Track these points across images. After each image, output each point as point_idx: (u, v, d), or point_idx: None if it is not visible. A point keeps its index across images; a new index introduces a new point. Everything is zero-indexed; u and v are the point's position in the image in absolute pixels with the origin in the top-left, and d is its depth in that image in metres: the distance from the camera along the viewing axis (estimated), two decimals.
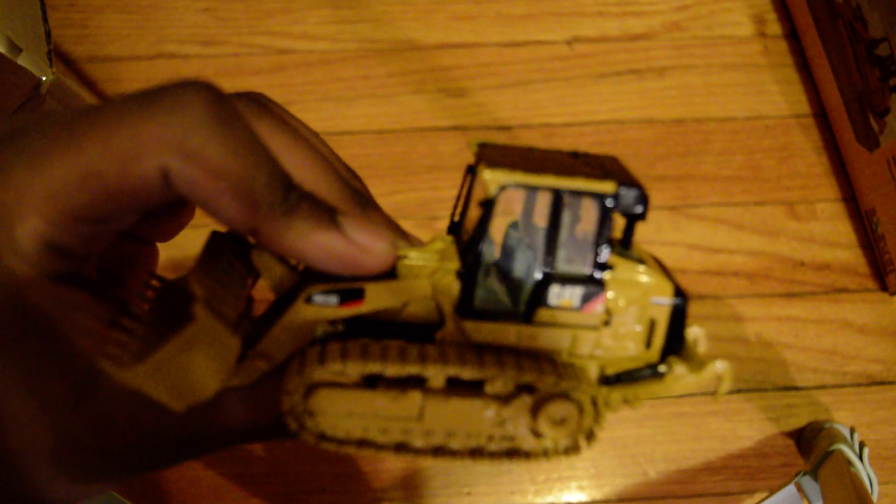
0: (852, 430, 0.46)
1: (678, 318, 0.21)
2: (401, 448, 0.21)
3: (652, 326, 0.21)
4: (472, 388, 0.21)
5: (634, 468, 0.50)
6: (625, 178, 0.20)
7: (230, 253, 0.21)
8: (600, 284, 0.20)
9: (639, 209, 0.20)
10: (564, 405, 0.21)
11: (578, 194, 0.20)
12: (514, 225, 0.22)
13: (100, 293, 0.22)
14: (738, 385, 0.52)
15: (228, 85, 0.20)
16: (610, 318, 0.21)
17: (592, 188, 0.20)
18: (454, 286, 0.21)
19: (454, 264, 0.21)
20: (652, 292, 0.21)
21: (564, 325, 0.21)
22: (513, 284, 0.21)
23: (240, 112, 0.20)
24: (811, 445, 0.48)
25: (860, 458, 0.43)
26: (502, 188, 0.19)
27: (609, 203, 0.20)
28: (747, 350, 0.52)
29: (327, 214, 0.20)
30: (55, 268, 0.20)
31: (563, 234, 0.20)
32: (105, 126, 0.19)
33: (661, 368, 0.21)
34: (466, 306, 0.21)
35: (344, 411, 0.20)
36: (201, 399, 0.19)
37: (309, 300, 0.20)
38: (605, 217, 0.20)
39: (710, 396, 0.51)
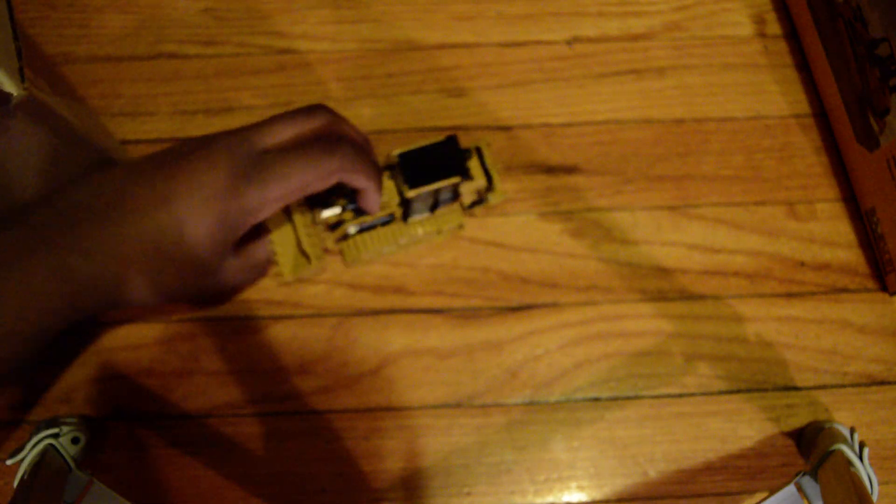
0: (852, 430, 0.46)
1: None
2: None
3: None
4: None
5: (634, 468, 0.50)
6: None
7: None
8: None
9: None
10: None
11: None
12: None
13: None
14: (738, 385, 0.52)
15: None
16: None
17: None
18: None
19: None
20: None
21: None
22: None
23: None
24: (811, 445, 0.48)
25: (860, 458, 0.43)
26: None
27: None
28: (747, 350, 0.52)
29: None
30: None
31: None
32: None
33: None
34: None
35: None
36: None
37: None
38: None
39: (710, 396, 0.51)
